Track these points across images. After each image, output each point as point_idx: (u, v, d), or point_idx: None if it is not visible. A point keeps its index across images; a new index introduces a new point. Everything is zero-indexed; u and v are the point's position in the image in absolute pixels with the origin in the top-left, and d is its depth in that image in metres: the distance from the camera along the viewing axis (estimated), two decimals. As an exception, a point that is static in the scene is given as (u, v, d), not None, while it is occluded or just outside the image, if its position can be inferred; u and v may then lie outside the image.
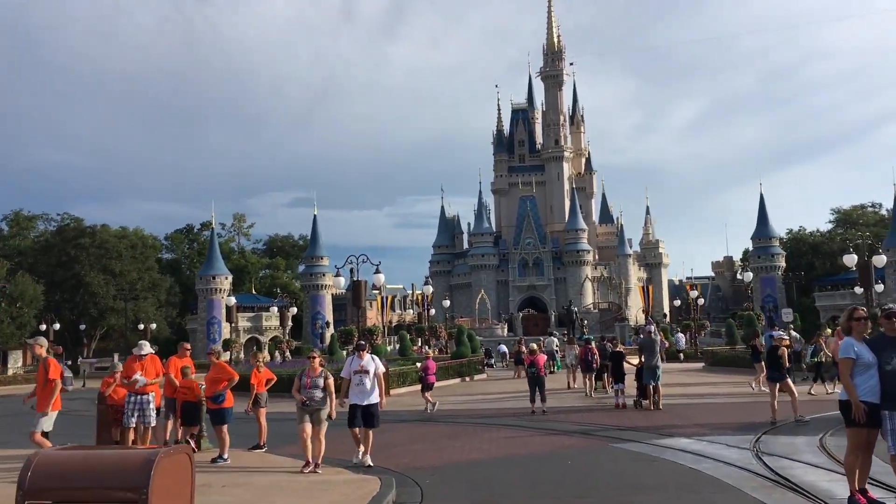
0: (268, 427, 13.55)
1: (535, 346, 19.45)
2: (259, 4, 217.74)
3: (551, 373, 31.45)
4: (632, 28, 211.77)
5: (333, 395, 11.38)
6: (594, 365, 22.69)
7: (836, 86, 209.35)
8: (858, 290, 47.36)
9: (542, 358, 18.87)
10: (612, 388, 20.02)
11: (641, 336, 20.45)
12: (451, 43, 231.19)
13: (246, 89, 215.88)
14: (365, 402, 11.45)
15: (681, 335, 42.55)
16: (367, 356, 11.73)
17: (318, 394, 11.14)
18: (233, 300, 38.36)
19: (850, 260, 25.42)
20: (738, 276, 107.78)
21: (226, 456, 12.12)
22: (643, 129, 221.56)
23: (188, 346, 14.48)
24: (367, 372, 11.55)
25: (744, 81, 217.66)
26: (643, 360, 18.72)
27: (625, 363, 20.30)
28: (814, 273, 78.55)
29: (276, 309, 55.29)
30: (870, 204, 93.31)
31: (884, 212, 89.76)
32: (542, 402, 18.15)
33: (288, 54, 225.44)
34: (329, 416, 11.13)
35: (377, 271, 27.06)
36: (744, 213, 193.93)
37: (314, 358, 11.49)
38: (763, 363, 22.20)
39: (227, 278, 72.31)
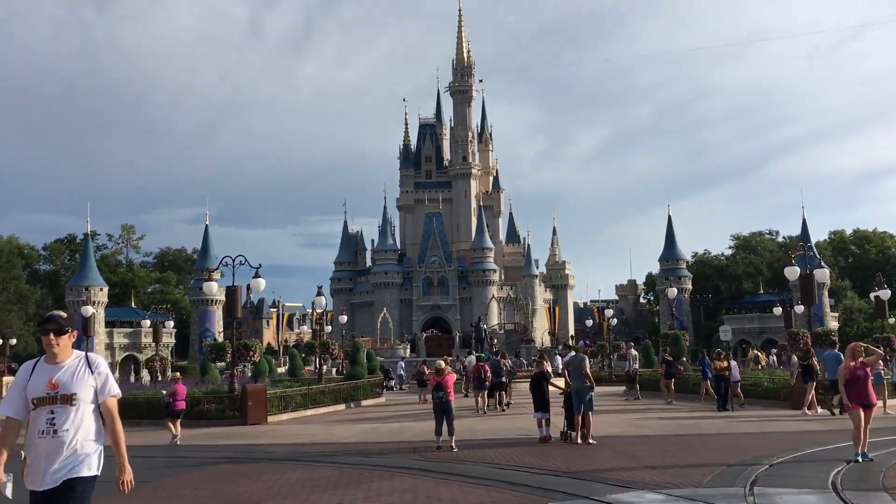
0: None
1: (441, 363, 15.63)
2: (162, 16, 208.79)
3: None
4: (536, 59, 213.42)
5: None
6: (486, 382, 23.36)
7: (726, 122, 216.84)
8: (777, 310, 46.05)
9: (452, 378, 15.11)
10: (535, 415, 16.50)
11: (572, 353, 17.02)
12: (359, 62, 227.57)
13: (145, 101, 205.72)
14: (62, 478, 4.57)
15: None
16: (70, 356, 4.77)
17: None
18: (90, 310, 33.01)
19: (793, 273, 22.92)
20: (644, 298, 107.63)
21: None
22: (548, 155, 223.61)
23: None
24: (69, 399, 4.63)
25: (642, 113, 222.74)
26: (571, 383, 15.31)
27: (549, 386, 16.88)
28: (719, 296, 78.45)
29: (147, 323, 49.62)
30: (767, 231, 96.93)
31: (781, 238, 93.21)
32: (451, 435, 14.40)
33: (191, 67, 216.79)
34: None
35: (256, 275, 22.76)
36: (647, 239, 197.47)
37: None
38: (814, 384, 19.14)
39: (101, 290, 65.87)
